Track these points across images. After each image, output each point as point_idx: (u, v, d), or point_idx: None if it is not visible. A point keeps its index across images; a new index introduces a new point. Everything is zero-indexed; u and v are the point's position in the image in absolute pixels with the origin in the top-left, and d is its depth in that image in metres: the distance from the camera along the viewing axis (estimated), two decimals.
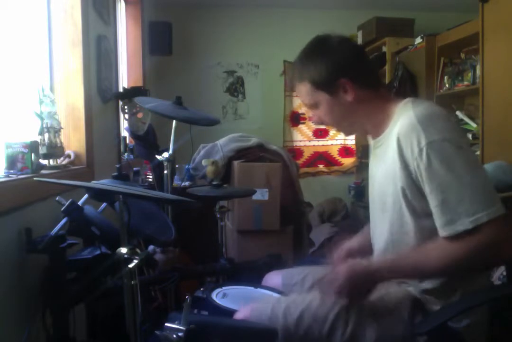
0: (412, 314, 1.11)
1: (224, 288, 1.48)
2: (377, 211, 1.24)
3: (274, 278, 1.49)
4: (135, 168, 2.92)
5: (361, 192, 4.79)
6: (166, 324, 0.97)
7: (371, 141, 1.30)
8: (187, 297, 1.01)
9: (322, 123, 1.30)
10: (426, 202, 1.07)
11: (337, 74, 1.17)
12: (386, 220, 1.19)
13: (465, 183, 1.00)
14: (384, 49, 4.33)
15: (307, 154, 5.07)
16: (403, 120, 1.09)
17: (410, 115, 1.08)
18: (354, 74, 1.18)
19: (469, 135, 3.29)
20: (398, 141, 1.08)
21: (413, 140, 1.04)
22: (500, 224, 0.98)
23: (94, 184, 1.20)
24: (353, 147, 5.11)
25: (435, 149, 1.02)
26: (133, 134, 2.55)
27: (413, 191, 1.08)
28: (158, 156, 1.95)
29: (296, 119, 5.01)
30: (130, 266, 1.04)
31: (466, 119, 3.47)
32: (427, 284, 1.13)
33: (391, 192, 1.14)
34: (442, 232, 1.03)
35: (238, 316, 1.18)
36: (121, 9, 3.57)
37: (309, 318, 1.11)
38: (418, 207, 1.10)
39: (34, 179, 1.21)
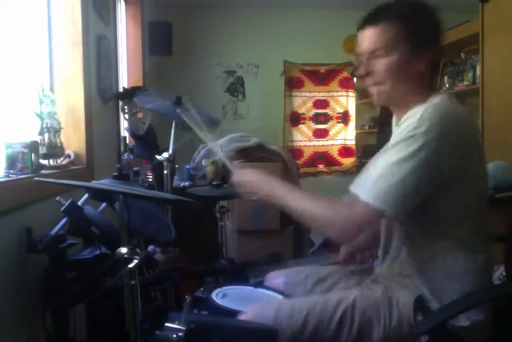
0: (415, 312, 1.11)
1: (224, 288, 1.48)
2: None
3: (276, 277, 1.49)
4: (135, 168, 2.92)
5: None
6: (166, 324, 0.97)
7: (393, 128, 1.29)
8: (187, 297, 1.01)
9: (367, 74, 1.16)
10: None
11: (434, 43, 1.13)
12: None
13: (397, 176, 1.02)
14: None
15: (307, 154, 5.07)
16: (408, 123, 1.06)
17: (414, 122, 1.04)
18: (438, 56, 1.15)
19: None
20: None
21: (404, 126, 1.05)
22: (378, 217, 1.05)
23: (94, 183, 1.20)
24: (353, 147, 5.11)
25: (409, 139, 1.02)
26: (133, 134, 2.55)
27: None
28: (158, 156, 1.95)
29: (296, 119, 5.01)
30: (130, 266, 1.04)
31: None
32: (428, 285, 1.13)
33: None
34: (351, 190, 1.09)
35: (245, 316, 1.17)
36: (121, 9, 3.57)
37: (315, 319, 1.11)
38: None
39: (35, 178, 1.20)
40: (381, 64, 1.13)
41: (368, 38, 1.14)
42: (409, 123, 1.04)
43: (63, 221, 1.31)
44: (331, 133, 5.11)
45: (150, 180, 2.79)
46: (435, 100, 1.10)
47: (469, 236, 1.11)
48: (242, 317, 1.17)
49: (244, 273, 1.82)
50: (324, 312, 1.12)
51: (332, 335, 1.10)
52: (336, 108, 5.09)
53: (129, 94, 2.50)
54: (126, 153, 2.95)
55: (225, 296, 1.41)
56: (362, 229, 1.09)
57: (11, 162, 1.43)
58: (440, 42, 1.16)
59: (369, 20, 1.15)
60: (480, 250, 1.12)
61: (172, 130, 1.94)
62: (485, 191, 1.19)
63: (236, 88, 4.85)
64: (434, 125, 1.02)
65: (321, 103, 5.06)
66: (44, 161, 1.67)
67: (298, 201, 1.13)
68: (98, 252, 1.36)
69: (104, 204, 1.49)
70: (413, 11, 1.14)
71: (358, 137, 5.08)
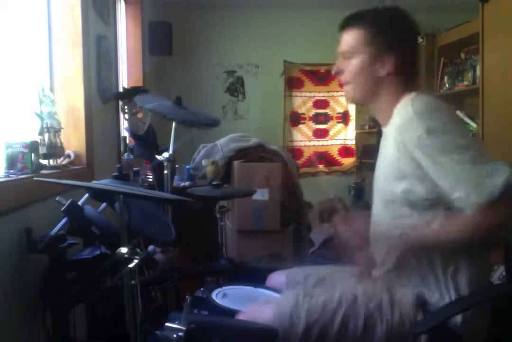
0: (415, 310, 1.11)
1: (224, 288, 1.48)
2: (379, 207, 1.26)
3: (277, 277, 1.49)
4: (135, 168, 2.92)
5: (361, 192, 4.79)
6: (166, 324, 0.97)
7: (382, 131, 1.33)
8: (187, 297, 1.01)
9: (338, 74, 1.27)
10: (425, 189, 1.10)
11: (401, 46, 1.20)
12: (384, 212, 1.23)
13: (467, 163, 1.03)
14: None
15: (307, 154, 5.07)
16: (402, 115, 1.13)
17: (409, 110, 1.10)
18: (404, 59, 1.20)
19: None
20: (399, 133, 1.12)
21: (412, 131, 1.08)
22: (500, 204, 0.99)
23: (94, 183, 1.20)
24: (353, 147, 5.11)
25: (432, 137, 1.05)
26: (133, 134, 2.55)
27: (412, 181, 1.11)
28: (158, 156, 1.95)
29: (296, 119, 5.01)
30: (130, 266, 1.04)
31: (466, 119, 3.47)
32: (428, 283, 1.13)
33: (390, 184, 1.17)
34: (466, 205, 1.03)
35: (243, 317, 1.17)
36: (121, 9, 3.57)
37: (319, 314, 1.11)
38: (417, 199, 1.12)
39: (34, 178, 1.20)
40: (348, 65, 1.24)
41: (340, 41, 1.27)
42: (414, 129, 1.08)
43: (63, 221, 1.31)
44: (331, 133, 5.11)
45: (150, 180, 2.79)
46: (406, 103, 1.14)
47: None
48: (242, 317, 1.17)
49: (245, 273, 1.82)
50: (327, 309, 1.12)
51: (337, 331, 1.10)
52: (336, 108, 5.09)
53: (129, 94, 2.50)
54: (126, 153, 2.95)
55: (225, 296, 1.41)
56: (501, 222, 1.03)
57: (11, 162, 1.43)
58: (410, 45, 1.23)
59: (342, 25, 1.27)
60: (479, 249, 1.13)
61: (172, 130, 1.94)
62: None
63: (236, 88, 4.85)
64: (437, 118, 1.07)
65: (321, 103, 5.06)
66: (44, 161, 1.67)
67: (430, 238, 1.12)
68: (98, 252, 1.36)
69: (104, 204, 1.50)
70: (381, 17, 1.24)
71: (358, 137, 5.08)
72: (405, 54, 1.21)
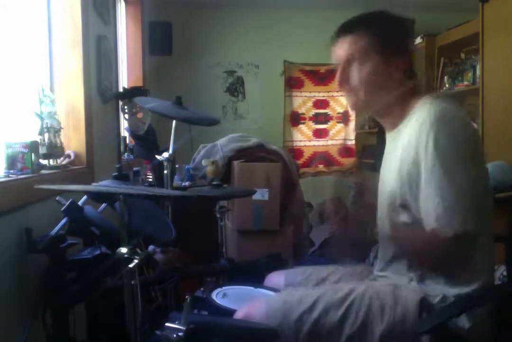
0: (419, 311, 1.11)
1: (224, 288, 1.48)
2: (384, 210, 1.26)
3: (276, 278, 1.49)
4: (135, 168, 2.92)
5: (361, 192, 4.78)
6: (166, 324, 0.97)
7: (386, 134, 1.31)
8: (187, 297, 1.01)
9: (343, 82, 1.22)
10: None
11: (403, 50, 1.19)
12: (385, 214, 1.24)
13: (462, 190, 1.04)
14: None
15: (307, 154, 5.07)
16: (420, 119, 1.10)
17: (427, 114, 1.09)
18: (409, 60, 1.20)
19: None
20: (414, 139, 1.10)
21: (424, 139, 1.07)
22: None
23: (94, 187, 1.20)
24: (353, 147, 5.11)
25: (441, 151, 1.04)
26: (133, 134, 2.55)
27: (412, 189, 1.11)
28: (158, 156, 1.95)
29: (296, 119, 5.01)
30: (130, 266, 1.04)
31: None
32: (431, 284, 1.13)
33: (393, 189, 1.17)
34: (434, 224, 1.06)
35: (240, 314, 1.18)
36: (121, 9, 3.57)
37: (321, 308, 1.12)
38: (413, 207, 1.12)
39: (35, 186, 1.19)
40: (355, 72, 1.19)
41: (341, 47, 1.22)
42: (426, 137, 1.06)
43: (63, 221, 1.31)
44: (331, 133, 5.11)
45: (150, 180, 2.79)
46: (425, 107, 1.12)
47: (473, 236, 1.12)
48: (241, 312, 1.17)
49: (244, 273, 1.82)
50: (332, 300, 1.13)
51: (337, 323, 1.11)
52: (336, 108, 5.08)
53: (129, 94, 2.50)
54: (126, 153, 2.95)
55: (225, 296, 1.41)
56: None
57: (11, 162, 1.43)
58: (410, 50, 1.23)
59: (341, 31, 1.22)
60: (483, 249, 1.13)
61: (172, 130, 1.94)
62: (490, 190, 1.21)
63: (236, 88, 4.85)
64: (454, 130, 1.06)
65: (321, 103, 5.06)
66: (44, 161, 1.67)
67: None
68: (98, 252, 1.36)
69: (104, 204, 1.50)
70: (382, 22, 1.22)
71: (358, 137, 5.08)
72: (411, 55, 1.21)
